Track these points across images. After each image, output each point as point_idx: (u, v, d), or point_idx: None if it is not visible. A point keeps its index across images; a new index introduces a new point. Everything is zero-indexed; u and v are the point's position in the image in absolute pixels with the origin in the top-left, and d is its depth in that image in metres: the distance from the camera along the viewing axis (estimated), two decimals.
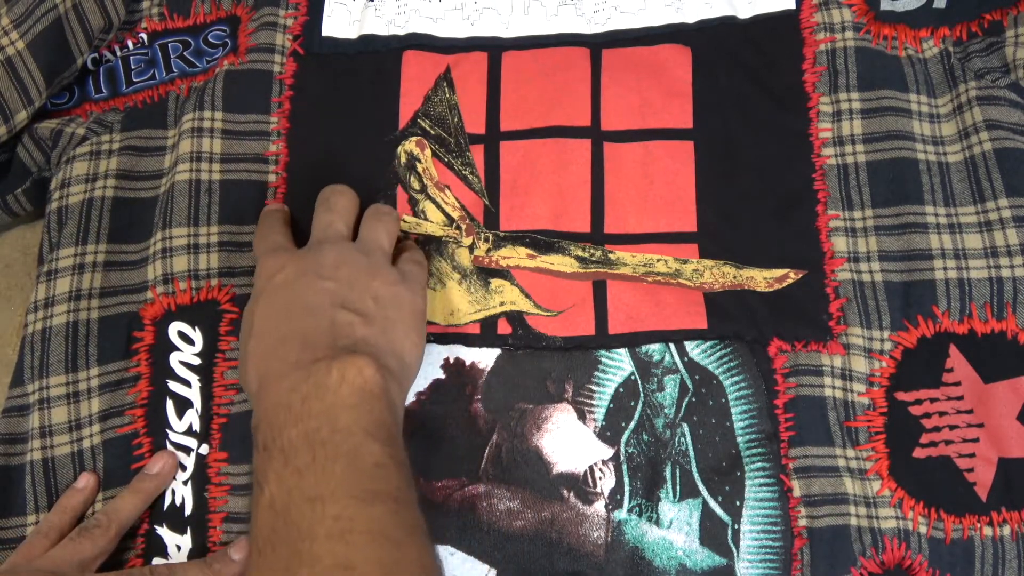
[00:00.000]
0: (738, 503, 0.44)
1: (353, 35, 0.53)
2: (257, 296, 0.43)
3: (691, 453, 0.45)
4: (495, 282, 0.48)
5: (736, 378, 0.46)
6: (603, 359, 0.47)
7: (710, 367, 0.46)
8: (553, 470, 0.45)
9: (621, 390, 0.46)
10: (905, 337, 0.46)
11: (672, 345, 0.47)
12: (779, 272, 0.47)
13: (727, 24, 0.51)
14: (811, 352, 0.46)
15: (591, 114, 0.50)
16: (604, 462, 0.45)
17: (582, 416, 0.46)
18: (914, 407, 0.45)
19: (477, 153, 0.50)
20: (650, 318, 0.47)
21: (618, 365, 0.47)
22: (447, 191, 0.50)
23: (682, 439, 0.45)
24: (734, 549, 0.44)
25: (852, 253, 0.47)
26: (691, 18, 0.52)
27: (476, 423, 0.46)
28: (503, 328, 0.47)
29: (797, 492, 0.44)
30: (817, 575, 0.43)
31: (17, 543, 0.44)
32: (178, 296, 0.48)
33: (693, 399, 0.46)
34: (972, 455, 0.45)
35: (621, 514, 0.44)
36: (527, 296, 0.48)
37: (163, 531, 0.45)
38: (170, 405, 0.47)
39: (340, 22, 0.53)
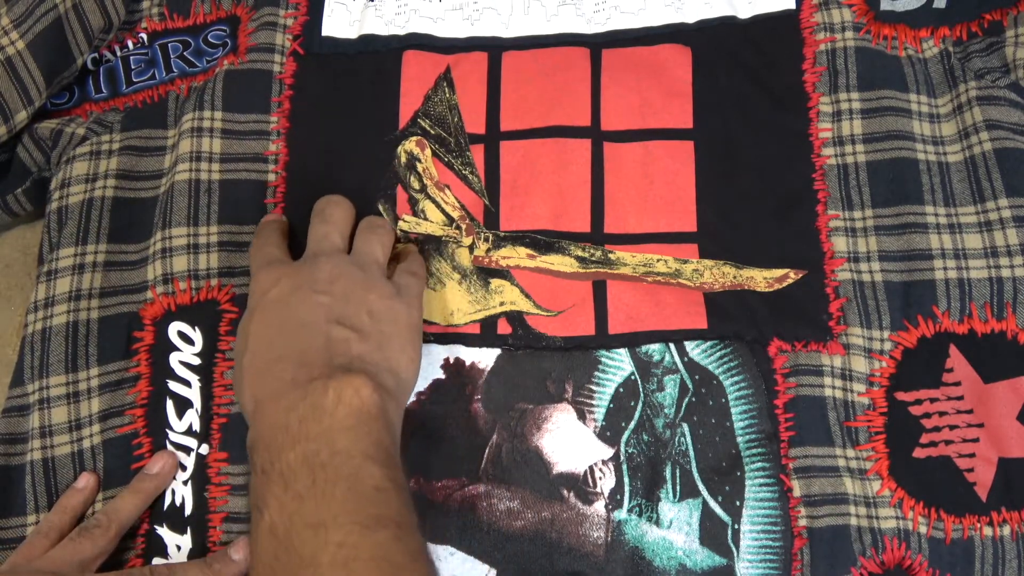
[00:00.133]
0: (738, 503, 0.44)
1: (353, 35, 0.53)
2: (251, 312, 0.42)
3: (691, 453, 0.45)
4: (495, 282, 0.48)
5: (736, 378, 0.46)
6: (603, 359, 0.47)
7: (710, 367, 0.46)
8: (553, 470, 0.45)
9: (621, 390, 0.46)
10: (905, 337, 0.46)
11: (672, 345, 0.47)
12: (779, 272, 0.47)
13: (727, 24, 0.51)
14: (811, 352, 0.46)
15: (591, 114, 0.50)
16: (604, 462, 0.45)
17: (582, 416, 0.46)
18: (914, 407, 0.45)
19: (477, 153, 0.50)
20: (650, 318, 0.47)
21: (618, 365, 0.47)
22: (447, 191, 0.50)
23: (682, 439, 0.45)
24: (734, 549, 0.44)
25: (852, 253, 0.47)
26: (691, 18, 0.52)
27: (476, 423, 0.46)
28: (503, 328, 0.47)
29: (797, 492, 0.44)
30: (817, 575, 0.43)
31: (17, 543, 0.44)
32: (178, 296, 0.48)
33: (693, 399, 0.46)
34: (972, 455, 0.45)
35: (621, 514, 0.44)
36: (527, 296, 0.48)
37: (163, 531, 0.45)
38: (170, 405, 0.47)
39: (340, 22, 0.53)
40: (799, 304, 0.47)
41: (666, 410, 0.46)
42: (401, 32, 0.52)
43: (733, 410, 0.45)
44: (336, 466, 0.36)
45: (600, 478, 0.45)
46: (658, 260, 0.48)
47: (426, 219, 0.49)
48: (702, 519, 0.44)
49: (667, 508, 0.44)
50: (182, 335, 0.48)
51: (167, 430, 0.47)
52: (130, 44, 0.54)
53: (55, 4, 0.50)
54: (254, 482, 0.37)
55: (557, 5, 0.53)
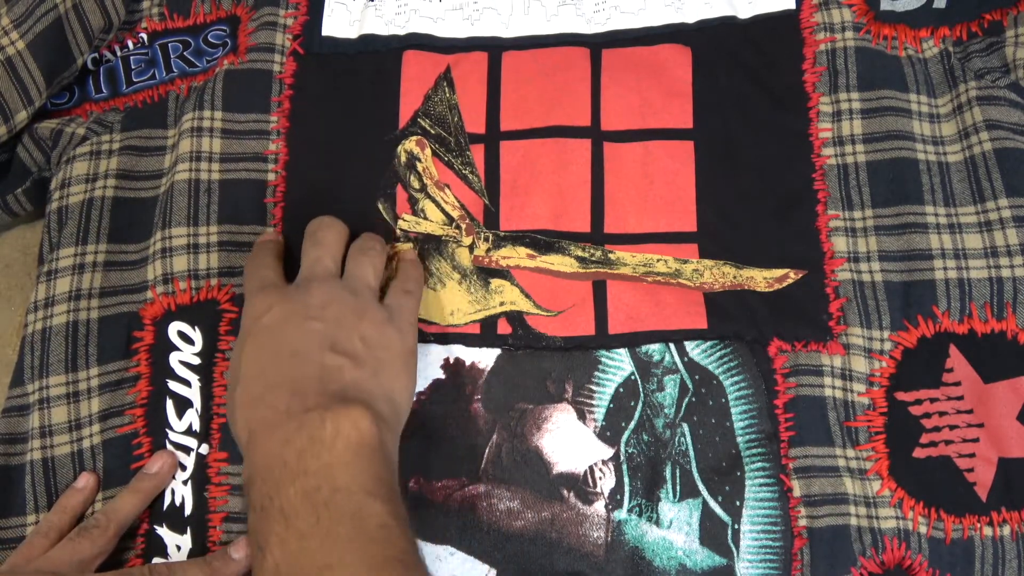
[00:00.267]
0: (738, 503, 0.44)
1: (353, 35, 0.53)
2: (244, 338, 0.42)
3: (691, 453, 0.45)
4: (495, 282, 0.48)
5: (736, 378, 0.46)
6: (603, 359, 0.47)
7: (710, 367, 0.46)
8: (553, 470, 0.45)
9: (621, 390, 0.46)
10: (905, 337, 0.46)
11: (672, 345, 0.47)
12: (779, 272, 0.47)
13: (727, 24, 0.51)
14: (811, 352, 0.46)
15: (591, 114, 0.50)
16: (604, 462, 0.45)
17: (582, 416, 0.46)
18: (914, 407, 0.45)
19: (477, 153, 0.50)
20: (650, 318, 0.47)
21: (618, 365, 0.46)
22: (447, 190, 0.50)
23: (682, 439, 0.45)
24: (734, 549, 0.44)
25: (852, 253, 0.47)
26: (691, 18, 0.52)
27: (476, 423, 0.46)
28: (503, 328, 0.47)
29: (797, 492, 0.44)
30: (817, 575, 0.43)
31: (17, 543, 0.44)
32: (178, 296, 0.48)
33: (693, 399, 0.46)
34: (972, 455, 0.45)
35: (621, 514, 0.44)
36: (527, 296, 0.48)
37: (163, 531, 0.45)
38: (170, 405, 0.47)
39: (340, 22, 0.53)
40: (799, 304, 0.47)
41: (666, 410, 0.46)
42: (401, 32, 0.52)
43: (733, 410, 0.45)
44: (338, 504, 0.35)
45: (600, 478, 0.45)
46: (658, 260, 0.48)
47: (426, 218, 0.49)
48: (702, 519, 0.44)
49: (667, 508, 0.44)
50: (182, 335, 0.48)
51: (167, 430, 0.47)
52: (130, 44, 0.54)
53: (55, 4, 0.50)
54: (252, 520, 0.36)
55: (557, 5, 0.53)
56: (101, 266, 0.49)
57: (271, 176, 0.50)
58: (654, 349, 0.47)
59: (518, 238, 0.49)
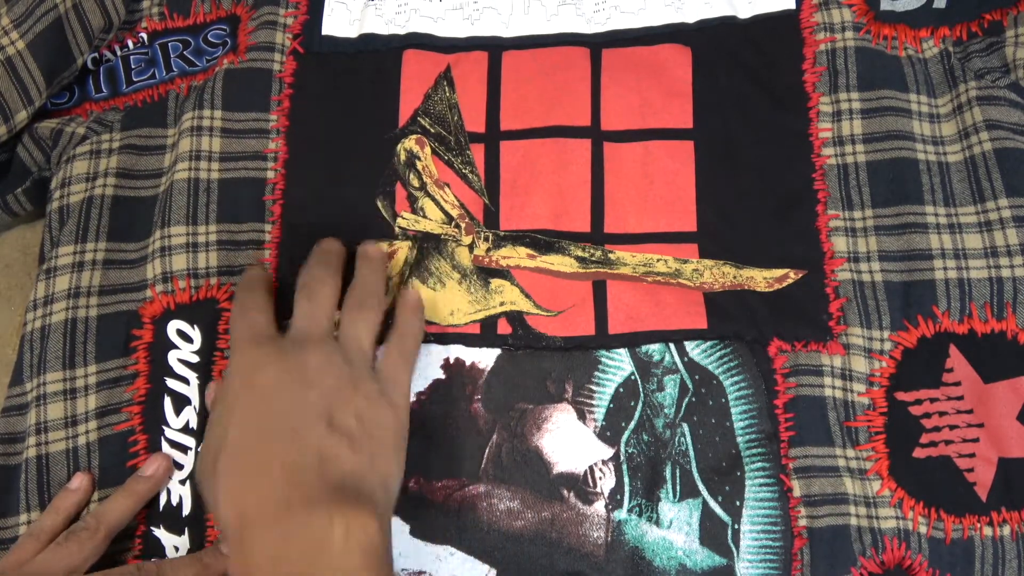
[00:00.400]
0: (738, 503, 0.44)
1: (353, 34, 0.53)
2: (233, 399, 0.39)
3: (691, 453, 0.45)
4: (495, 282, 0.48)
5: (736, 378, 0.46)
6: (603, 359, 0.47)
7: (710, 367, 0.46)
8: (553, 470, 0.45)
9: (621, 390, 0.46)
10: (905, 337, 0.46)
11: (672, 345, 0.46)
12: (779, 272, 0.47)
13: (727, 24, 0.51)
14: (811, 352, 0.46)
15: (591, 114, 0.50)
16: (604, 462, 0.45)
17: (582, 416, 0.46)
18: (914, 407, 0.45)
19: (477, 152, 0.50)
20: (650, 318, 0.47)
21: (618, 365, 0.46)
22: (447, 189, 0.50)
23: (682, 439, 0.45)
24: (734, 549, 0.44)
25: (852, 253, 0.47)
26: (691, 18, 0.52)
27: (476, 423, 0.46)
28: (503, 328, 0.47)
29: (797, 492, 0.44)
30: (817, 575, 0.43)
31: (12, 543, 0.44)
32: (177, 294, 0.48)
33: (693, 399, 0.46)
34: (972, 455, 0.45)
35: (621, 514, 0.44)
36: (527, 296, 0.48)
37: (160, 532, 0.45)
38: (168, 402, 0.47)
39: (340, 21, 0.53)
40: (799, 304, 0.47)
41: (666, 410, 0.46)
42: (401, 31, 0.52)
43: (733, 410, 0.45)
44: None
45: (600, 478, 0.45)
46: (658, 260, 0.48)
47: (425, 217, 0.49)
48: (702, 519, 0.44)
49: (667, 508, 0.44)
50: (181, 333, 0.48)
51: (163, 427, 0.46)
52: (130, 44, 0.54)
53: (55, 4, 0.50)
54: None
55: (557, 5, 0.53)
56: (100, 264, 0.49)
57: (270, 174, 0.50)
58: (654, 349, 0.47)
59: (518, 238, 0.49)
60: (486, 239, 0.49)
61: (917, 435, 0.45)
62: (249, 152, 0.51)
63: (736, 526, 0.44)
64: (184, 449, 0.46)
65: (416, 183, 0.50)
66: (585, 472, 0.45)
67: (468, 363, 0.47)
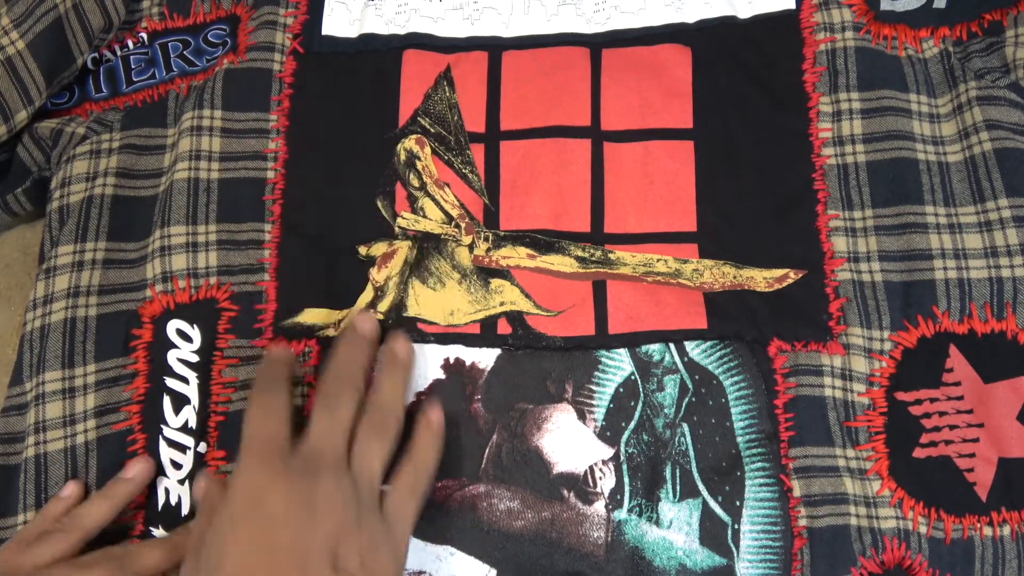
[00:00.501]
0: (738, 503, 0.44)
1: (353, 34, 0.53)
2: (235, 518, 0.37)
3: (691, 453, 0.45)
4: (495, 282, 0.48)
5: (736, 378, 0.46)
6: (603, 359, 0.47)
7: (710, 367, 0.46)
8: (553, 470, 0.45)
9: (621, 390, 0.46)
10: (905, 337, 0.46)
11: (672, 345, 0.46)
12: (779, 272, 0.47)
13: (727, 24, 0.51)
14: (811, 352, 0.46)
15: (591, 114, 0.50)
16: (604, 462, 0.45)
17: (582, 416, 0.46)
18: (914, 407, 0.45)
19: (477, 152, 0.50)
20: (650, 318, 0.47)
21: (618, 365, 0.46)
22: (447, 189, 0.50)
23: (682, 439, 0.45)
24: (734, 549, 0.44)
25: (852, 253, 0.47)
26: (691, 18, 0.52)
27: (476, 423, 0.46)
28: (503, 328, 0.47)
29: (797, 492, 0.44)
30: (817, 575, 0.43)
31: None
32: (177, 294, 0.48)
33: (693, 399, 0.46)
34: (972, 455, 0.45)
35: (621, 514, 0.44)
36: (527, 296, 0.48)
37: (159, 532, 0.45)
38: (167, 402, 0.47)
39: (340, 21, 0.53)
40: (799, 304, 0.47)
41: (666, 410, 0.46)
42: (401, 31, 0.52)
43: (733, 410, 0.45)
44: None
45: (600, 478, 0.45)
46: (658, 260, 0.48)
47: (425, 216, 0.49)
48: (702, 519, 0.44)
49: (667, 508, 0.44)
50: (181, 333, 0.48)
51: (162, 426, 0.46)
52: (130, 44, 0.54)
53: (55, 4, 0.50)
54: None
55: (557, 5, 0.53)
56: (100, 264, 0.49)
57: (270, 174, 0.50)
58: (654, 349, 0.46)
59: (518, 238, 0.49)
60: (486, 239, 0.49)
61: (917, 435, 0.45)
62: (249, 152, 0.51)
63: (736, 526, 0.44)
64: (183, 448, 0.46)
65: (416, 183, 0.50)
66: (585, 472, 0.45)
67: (468, 363, 0.47)
